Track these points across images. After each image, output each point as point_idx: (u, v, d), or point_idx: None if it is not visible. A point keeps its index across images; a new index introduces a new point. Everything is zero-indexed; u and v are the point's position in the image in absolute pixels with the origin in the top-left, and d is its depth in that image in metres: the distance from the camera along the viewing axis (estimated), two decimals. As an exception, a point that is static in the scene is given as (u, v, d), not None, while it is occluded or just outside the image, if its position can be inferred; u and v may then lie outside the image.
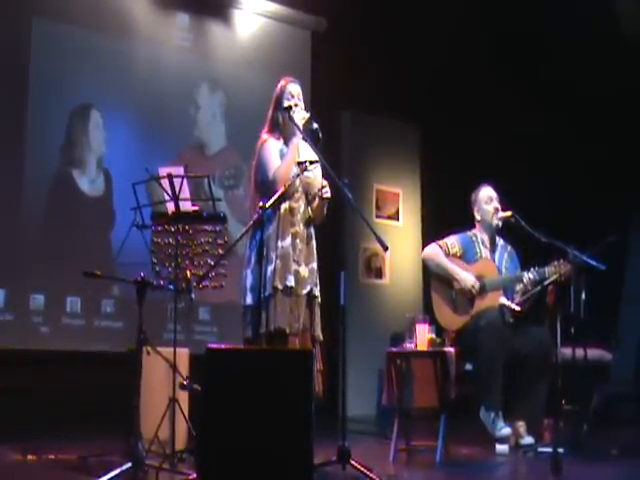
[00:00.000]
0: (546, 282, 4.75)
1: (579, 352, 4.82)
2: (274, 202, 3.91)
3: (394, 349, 4.78)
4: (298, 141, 4.11)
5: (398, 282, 7.82)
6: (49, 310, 5.97)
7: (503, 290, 5.01)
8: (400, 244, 7.76)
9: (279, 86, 4.22)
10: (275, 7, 7.34)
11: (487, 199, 5.13)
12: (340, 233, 5.82)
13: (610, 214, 6.39)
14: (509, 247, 5.21)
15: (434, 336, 4.61)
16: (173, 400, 4.29)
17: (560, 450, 3.90)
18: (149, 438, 4.07)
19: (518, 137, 7.54)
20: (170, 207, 4.36)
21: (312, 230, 4.17)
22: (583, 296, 4.66)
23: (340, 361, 3.82)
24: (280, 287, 3.95)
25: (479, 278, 4.92)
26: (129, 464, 3.62)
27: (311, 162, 4.02)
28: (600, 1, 6.78)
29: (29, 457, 4.25)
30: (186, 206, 4.35)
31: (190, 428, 4.39)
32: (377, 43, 7.52)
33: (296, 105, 4.11)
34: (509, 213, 5.03)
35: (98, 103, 6.35)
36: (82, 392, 5.50)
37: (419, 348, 4.56)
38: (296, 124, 4.05)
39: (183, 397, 4.54)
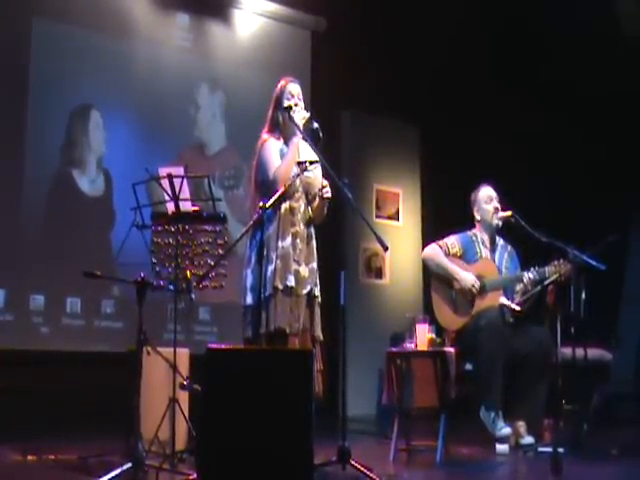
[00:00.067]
0: (546, 282, 4.75)
1: (579, 352, 4.82)
2: (274, 202, 3.91)
3: (394, 349, 4.78)
4: (298, 141, 4.11)
5: (398, 282, 7.82)
6: (49, 310, 5.97)
7: (503, 290, 5.01)
8: (400, 244, 7.76)
9: (279, 86, 4.22)
10: (275, 7, 7.34)
11: (487, 199, 5.13)
12: (340, 233, 5.82)
13: (610, 214, 6.39)
14: (509, 247, 5.21)
15: (434, 336, 4.61)
16: (173, 400, 4.28)
17: (560, 450, 3.90)
18: (149, 438, 4.07)
19: (518, 137, 7.54)
20: (170, 207, 4.36)
21: (312, 230, 4.17)
22: (583, 296, 4.66)
23: (340, 361, 3.82)
24: (280, 287, 3.95)
25: (479, 278, 4.92)
26: (129, 464, 3.62)
27: (311, 162, 4.02)
28: (600, 1, 6.78)
29: (29, 457, 4.25)
30: (186, 206, 4.34)
31: (190, 428, 4.39)
32: (377, 43, 7.52)
33: (296, 105, 4.11)
34: (509, 213, 5.03)
35: (98, 103, 6.36)
36: (82, 392, 5.50)
37: (419, 348, 4.56)
38: (296, 124, 4.05)
39: (183, 397, 4.54)
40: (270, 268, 3.97)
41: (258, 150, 4.15)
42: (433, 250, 5.05)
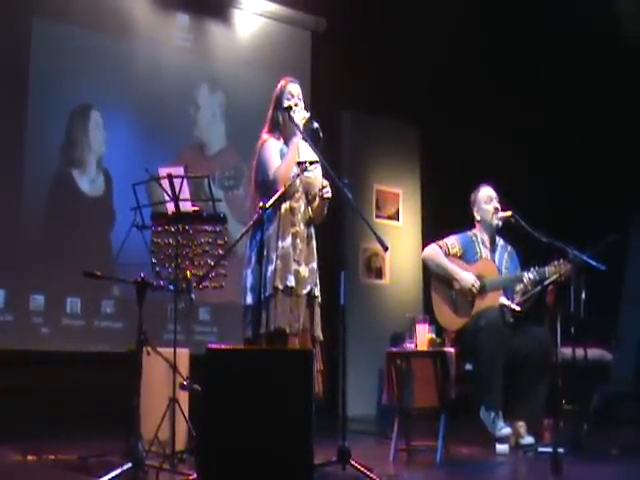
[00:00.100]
0: (546, 282, 4.75)
1: (579, 352, 4.82)
2: (274, 202, 3.91)
3: (394, 349, 4.78)
4: (298, 141, 4.11)
5: (398, 282, 7.82)
6: (49, 310, 5.97)
7: (503, 290, 5.01)
8: (400, 244, 7.76)
9: (279, 86, 4.22)
10: (275, 7, 7.34)
11: (487, 199, 5.13)
12: (340, 233, 5.82)
13: (610, 214, 6.39)
14: (509, 247, 5.21)
15: (434, 336, 4.61)
16: (173, 400, 4.28)
17: (560, 450, 3.90)
18: (149, 438, 4.07)
19: (518, 137, 7.54)
20: (170, 207, 4.36)
21: (312, 230, 4.17)
22: (583, 296, 4.66)
23: (340, 361, 3.82)
24: (280, 287, 3.95)
25: (479, 278, 4.92)
26: (129, 464, 3.62)
27: (311, 162, 4.02)
28: (600, 1, 6.78)
29: (29, 457, 4.25)
30: (186, 206, 4.34)
31: (190, 428, 4.39)
32: (377, 43, 7.52)
33: (296, 105, 4.11)
34: (509, 213, 5.03)
35: (98, 103, 6.36)
36: (82, 392, 5.50)
37: (419, 348, 4.56)
38: (296, 124, 4.05)
39: (183, 397, 4.54)
40: (270, 268, 3.97)
41: (258, 150, 4.15)
42: (433, 250, 5.05)
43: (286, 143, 4.13)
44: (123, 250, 4.36)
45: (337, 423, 3.78)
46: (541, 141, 7.60)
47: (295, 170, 4.03)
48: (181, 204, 4.32)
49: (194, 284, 4.29)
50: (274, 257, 3.97)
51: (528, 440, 4.77)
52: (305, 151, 4.16)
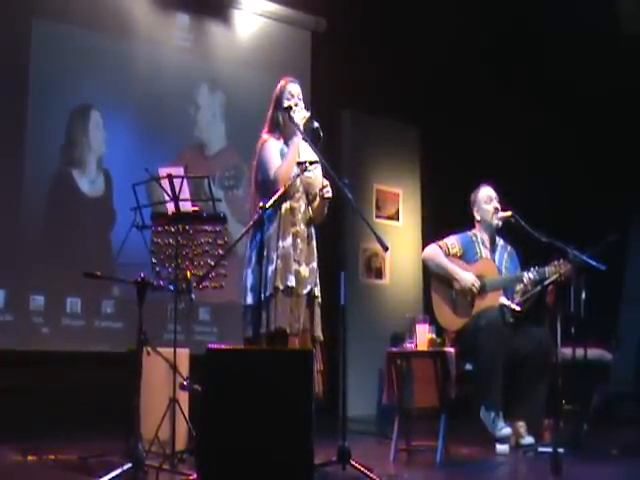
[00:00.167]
0: (546, 282, 4.75)
1: (579, 352, 4.82)
2: (274, 202, 3.91)
3: (394, 349, 4.78)
4: (298, 141, 4.11)
5: (398, 282, 7.82)
6: (49, 311, 5.97)
7: (503, 290, 5.01)
8: (400, 244, 7.76)
9: (279, 86, 4.22)
10: (275, 7, 7.33)
11: (487, 199, 5.13)
12: (340, 233, 5.81)
13: (610, 214, 6.39)
14: (509, 247, 5.21)
15: (434, 336, 4.61)
16: (173, 400, 4.28)
17: (560, 450, 3.90)
18: (149, 438, 4.07)
19: (518, 137, 7.54)
20: (170, 207, 4.36)
21: (313, 230, 4.17)
22: (583, 296, 4.66)
23: (340, 361, 3.82)
24: (281, 287, 3.95)
25: (479, 278, 4.92)
26: (129, 464, 3.62)
27: (311, 162, 4.02)
28: (600, 1, 6.78)
29: (29, 457, 4.26)
30: (186, 206, 4.34)
31: (190, 428, 4.39)
32: (377, 43, 7.52)
33: (296, 105, 4.11)
34: (509, 213, 5.03)
35: (98, 103, 6.35)
36: (82, 392, 5.50)
37: (419, 348, 4.56)
38: (296, 124, 4.05)
39: (183, 397, 4.54)
40: (271, 268, 3.97)
41: (258, 150, 4.15)
42: (433, 250, 5.05)
43: (286, 143, 4.13)
44: (123, 250, 4.36)
45: (337, 423, 3.78)
46: (541, 141, 7.59)
47: (295, 170, 4.03)
48: (181, 204, 4.31)
49: (194, 284, 4.29)
50: (274, 257, 3.97)
51: (528, 440, 4.77)
52: (305, 151, 4.17)
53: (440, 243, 5.07)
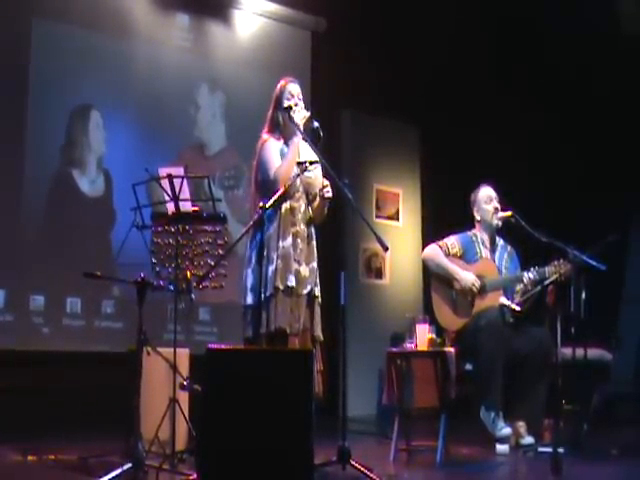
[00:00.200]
0: (546, 282, 4.74)
1: (579, 352, 4.82)
2: (274, 202, 3.91)
3: (394, 349, 4.78)
4: (298, 141, 4.11)
5: (398, 282, 7.82)
6: (49, 311, 5.97)
7: (503, 290, 5.01)
8: (400, 244, 7.76)
9: (279, 86, 4.22)
10: (275, 7, 7.33)
11: (487, 199, 5.13)
12: (340, 233, 5.81)
13: (610, 214, 6.39)
14: (509, 247, 5.21)
15: (434, 336, 4.61)
16: (173, 400, 4.28)
17: (560, 450, 3.90)
18: (149, 438, 4.07)
19: (518, 137, 7.54)
20: (170, 207, 4.35)
21: (313, 230, 4.17)
22: (583, 296, 4.66)
23: (340, 361, 3.82)
24: (281, 287, 3.95)
25: (479, 278, 4.92)
26: (129, 464, 3.62)
27: (311, 162, 4.02)
28: (600, 1, 6.78)
29: (29, 458, 4.26)
30: (186, 206, 4.34)
31: (190, 428, 4.39)
32: (377, 43, 7.52)
33: (296, 105, 4.11)
34: (509, 213, 5.03)
35: (98, 103, 6.35)
36: (82, 392, 5.50)
37: (419, 348, 4.56)
38: (296, 124, 4.05)
39: (183, 397, 4.54)
40: (271, 268, 3.97)
41: (258, 150, 4.15)
42: (433, 250, 5.05)
43: (286, 143, 4.14)
44: (123, 250, 4.36)
45: (337, 423, 3.78)
46: (541, 141, 7.59)
47: (295, 170, 4.03)
48: (181, 204, 4.31)
49: (194, 284, 4.29)
50: (275, 257, 3.98)
51: (528, 440, 4.77)
52: (305, 151, 4.17)
53: (440, 243, 5.07)
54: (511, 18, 7.58)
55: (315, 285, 4.11)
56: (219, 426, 3.10)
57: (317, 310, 4.12)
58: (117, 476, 3.58)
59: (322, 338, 4.11)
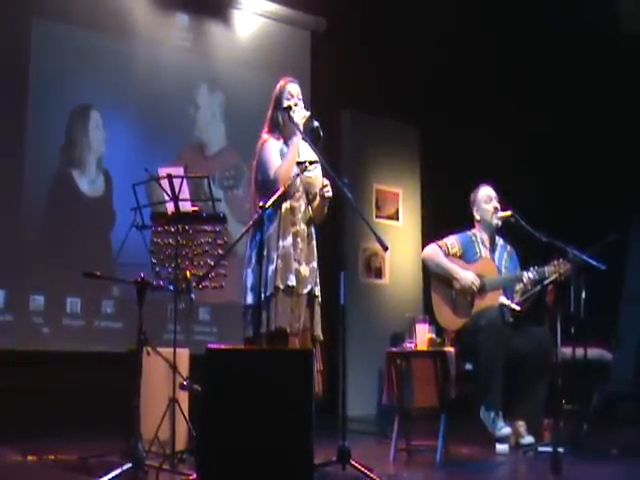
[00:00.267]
0: (546, 282, 4.75)
1: (579, 352, 4.82)
2: (274, 202, 3.91)
3: (394, 349, 4.78)
4: (298, 140, 4.11)
5: (398, 282, 7.82)
6: (49, 311, 5.97)
7: (503, 290, 5.01)
8: (400, 244, 7.76)
9: (278, 86, 4.22)
10: (275, 7, 7.33)
11: (486, 199, 5.13)
12: (340, 233, 5.80)
13: (610, 214, 6.39)
14: (509, 247, 5.21)
15: (434, 336, 4.61)
16: (173, 400, 4.28)
17: (560, 450, 3.90)
18: (149, 438, 4.07)
19: (518, 137, 7.54)
20: (170, 207, 4.35)
21: (313, 229, 4.17)
22: (583, 296, 4.66)
23: (340, 361, 3.82)
24: (281, 287, 3.95)
25: (479, 278, 4.92)
26: (129, 464, 3.62)
27: (311, 162, 4.03)
28: (600, 1, 6.78)
29: (29, 458, 4.25)
30: (186, 206, 4.34)
31: (190, 428, 4.39)
32: (377, 43, 7.52)
33: (295, 105, 4.11)
34: (509, 213, 5.03)
35: (98, 103, 6.35)
36: (82, 392, 5.50)
37: (419, 348, 4.56)
38: (296, 124, 4.05)
39: (183, 397, 4.54)
40: (271, 268, 3.97)
41: (258, 150, 4.15)
42: (433, 250, 5.05)
43: (286, 143, 4.14)
44: (123, 250, 4.36)
45: (337, 423, 3.78)
46: (541, 141, 7.59)
47: (295, 170, 4.03)
48: (181, 204, 4.31)
49: (194, 284, 4.29)
50: (275, 256, 3.98)
51: (528, 440, 4.77)
52: (305, 151, 4.17)
53: (440, 243, 5.07)
54: (511, 18, 7.58)
55: (315, 285, 4.11)
56: (219, 426, 3.10)
57: (317, 310, 4.12)
58: (117, 476, 3.58)
59: (322, 338, 4.11)
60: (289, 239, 4.02)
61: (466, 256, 5.04)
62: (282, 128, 4.16)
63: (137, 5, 6.63)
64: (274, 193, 3.93)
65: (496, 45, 7.76)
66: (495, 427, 4.68)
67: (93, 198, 6.31)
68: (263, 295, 3.91)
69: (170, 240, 4.43)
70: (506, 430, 4.69)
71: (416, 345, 4.57)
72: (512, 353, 4.74)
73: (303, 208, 4.12)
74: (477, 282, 4.88)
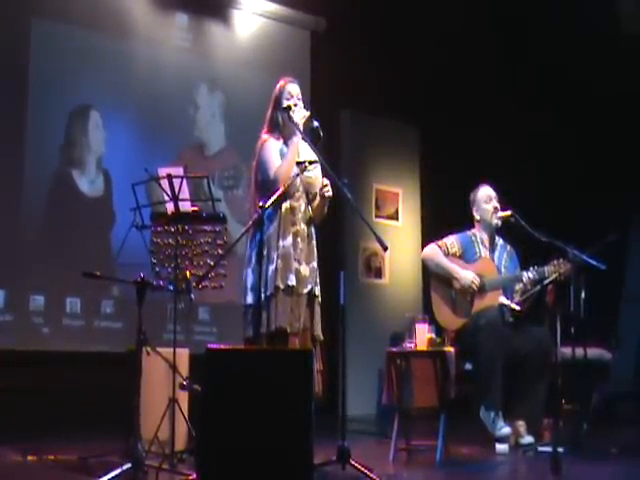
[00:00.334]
0: (546, 281, 4.75)
1: (579, 351, 4.82)
2: (274, 202, 3.91)
3: (394, 349, 4.78)
4: (298, 140, 4.11)
5: (398, 282, 7.82)
6: (49, 311, 5.97)
7: (503, 290, 5.01)
8: (400, 244, 7.76)
9: (278, 86, 4.22)
10: (274, 7, 7.33)
11: (486, 198, 5.13)
12: (340, 233, 5.80)
13: (610, 214, 6.39)
14: (508, 247, 5.21)
15: (434, 336, 4.60)
16: (173, 400, 4.28)
17: (560, 449, 3.90)
18: (149, 438, 4.07)
19: (518, 137, 7.54)
20: (170, 207, 4.35)
21: (313, 229, 4.17)
22: (583, 295, 4.66)
23: (340, 361, 3.82)
24: (282, 286, 3.95)
25: (479, 277, 4.92)
26: (129, 464, 3.62)
27: (310, 162, 4.03)
28: (601, 1, 6.78)
29: (29, 458, 4.25)
30: (185, 206, 4.34)
31: (190, 428, 4.39)
32: (376, 43, 7.52)
33: (295, 105, 4.11)
34: (509, 212, 5.03)
35: (97, 103, 6.35)
36: (82, 392, 5.50)
37: (419, 348, 4.56)
38: (295, 124, 4.05)
39: (183, 397, 4.54)
40: (271, 267, 3.97)
41: (258, 150, 4.15)
42: (432, 250, 5.05)
43: (286, 143, 4.14)
44: (123, 250, 4.36)
45: (337, 423, 3.78)
46: (541, 141, 7.60)
47: (295, 170, 4.03)
48: (180, 204, 4.31)
49: (194, 284, 4.28)
50: (275, 256, 3.98)
51: (528, 440, 4.77)
52: (305, 151, 4.17)
53: (439, 243, 5.07)
54: (511, 18, 7.59)
55: (315, 284, 4.11)
56: (219, 426, 3.10)
57: (317, 309, 4.12)
58: (117, 476, 3.58)
59: (322, 338, 4.11)
60: (289, 239, 4.02)
61: (466, 256, 5.04)
62: (282, 128, 4.16)
63: (137, 5, 6.63)
64: (274, 193, 3.92)
65: (496, 45, 7.76)
66: (495, 427, 4.68)
67: (93, 198, 6.31)
68: (263, 295, 3.91)
69: (170, 240, 4.43)
70: (506, 430, 4.69)
71: (416, 345, 4.57)
72: (512, 353, 4.74)
73: (303, 208, 4.12)
74: (477, 281, 4.88)
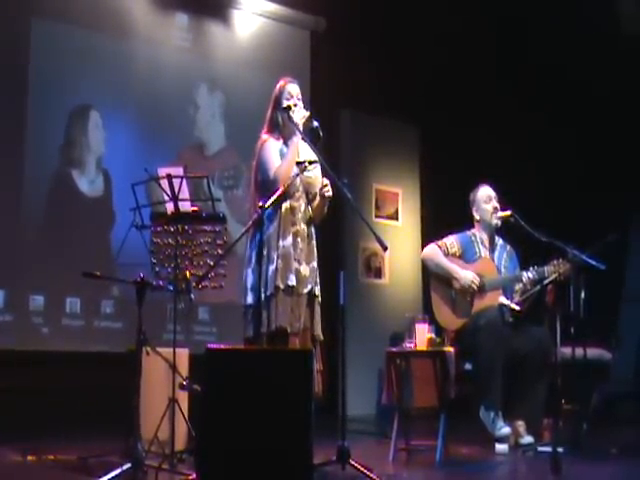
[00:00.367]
0: (545, 281, 4.75)
1: (579, 351, 4.82)
2: (274, 202, 3.91)
3: (394, 349, 4.78)
4: (298, 140, 4.11)
5: (398, 282, 7.82)
6: (49, 311, 5.97)
7: (502, 290, 5.01)
8: (399, 244, 7.76)
9: (278, 86, 4.22)
10: (274, 7, 7.33)
11: (486, 198, 5.13)
12: (340, 233, 5.83)
13: (610, 214, 6.39)
14: (508, 247, 5.21)
15: (434, 336, 4.60)
16: (173, 400, 4.28)
17: (560, 449, 3.90)
18: (149, 438, 4.07)
19: (518, 137, 7.54)
20: (169, 207, 4.35)
21: (313, 229, 4.17)
22: (583, 295, 4.66)
23: (340, 361, 3.82)
24: (282, 286, 3.95)
25: (479, 277, 4.92)
26: (129, 464, 3.62)
27: (310, 162, 4.03)
28: (601, 1, 6.78)
29: (29, 458, 4.25)
30: (185, 206, 4.34)
31: (190, 428, 4.39)
32: (376, 43, 7.52)
33: (295, 105, 4.11)
34: (508, 212, 5.03)
35: (97, 103, 6.35)
36: (82, 392, 5.50)
37: (419, 348, 4.56)
38: (295, 124, 4.05)
39: (183, 397, 4.54)
40: (271, 267, 3.97)
41: (258, 150, 4.15)
42: (432, 250, 5.05)
43: (285, 143, 4.14)
44: (123, 250, 4.36)
45: (337, 423, 3.78)
46: (541, 141, 7.60)
47: (295, 170, 4.03)
48: (180, 204, 4.31)
49: (193, 284, 4.28)
50: (275, 256, 3.98)
51: (527, 440, 4.77)
52: (304, 151, 4.17)
53: (439, 243, 5.07)
54: (511, 18, 7.58)
55: (315, 284, 4.11)
56: (219, 426, 3.10)
57: (317, 309, 4.12)
58: (116, 476, 3.58)
59: (322, 337, 4.11)
60: (289, 239, 4.02)
61: (466, 256, 5.04)
62: (282, 128, 4.16)
63: (137, 5, 6.63)
64: (274, 193, 3.92)
65: (496, 45, 7.75)
66: (495, 427, 4.68)
67: (93, 198, 6.31)
68: (263, 295, 3.91)
69: (170, 240, 4.43)
70: (506, 430, 4.69)
71: (416, 345, 4.57)
72: (512, 353, 4.74)
73: (303, 208, 4.12)
74: (477, 280, 4.88)
